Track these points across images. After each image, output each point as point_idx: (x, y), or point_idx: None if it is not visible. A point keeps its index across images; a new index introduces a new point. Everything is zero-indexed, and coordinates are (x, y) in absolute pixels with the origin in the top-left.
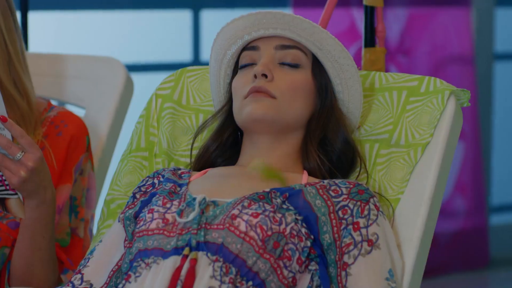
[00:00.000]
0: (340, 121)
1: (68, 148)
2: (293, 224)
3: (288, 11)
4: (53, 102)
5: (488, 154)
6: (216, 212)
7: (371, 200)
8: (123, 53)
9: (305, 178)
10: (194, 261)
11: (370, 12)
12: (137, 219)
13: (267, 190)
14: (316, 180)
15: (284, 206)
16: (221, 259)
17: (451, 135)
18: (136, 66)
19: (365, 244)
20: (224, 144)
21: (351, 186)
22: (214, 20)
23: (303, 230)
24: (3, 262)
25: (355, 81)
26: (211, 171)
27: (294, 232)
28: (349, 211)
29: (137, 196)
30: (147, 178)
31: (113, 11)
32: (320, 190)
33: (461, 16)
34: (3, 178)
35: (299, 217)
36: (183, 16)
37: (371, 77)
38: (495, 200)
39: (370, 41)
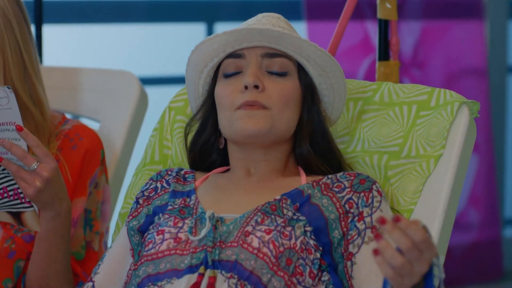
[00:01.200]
0: (327, 128)
1: (83, 162)
2: (302, 237)
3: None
4: (68, 115)
5: (502, 167)
6: (229, 227)
7: (374, 186)
8: (137, 66)
9: (303, 177)
10: (213, 279)
11: (384, 26)
12: (145, 239)
13: (278, 197)
14: (316, 178)
15: (294, 217)
16: (236, 276)
17: (465, 147)
18: (150, 79)
19: (368, 231)
20: (205, 145)
21: (352, 177)
22: None
23: (312, 242)
24: (18, 275)
25: (341, 84)
26: (212, 177)
27: (303, 246)
28: (354, 205)
29: (140, 201)
30: (150, 181)
31: (127, 24)
32: (324, 191)
33: (474, 29)
34: (19, 191)
35: (308, 228)
36: (197, 29)
37: (381, 91)
38: (508, 213)
39: (384, 55)
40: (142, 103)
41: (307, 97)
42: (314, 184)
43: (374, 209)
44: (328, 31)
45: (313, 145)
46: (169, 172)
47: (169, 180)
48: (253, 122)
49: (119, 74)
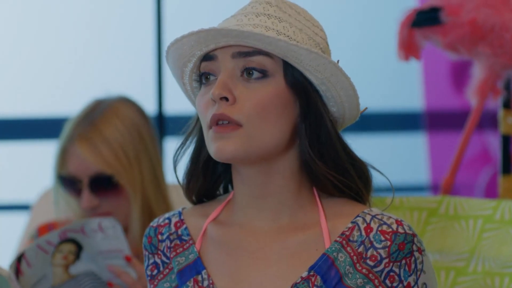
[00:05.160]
0: (332, 130)
1: None
2: None
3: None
4: None
5: None
6: None
7: (414, 246)
8: None
9: (323, 219)
10: None
11: (505, 140)
12: None
13: (305, 275)
14: (339, 226)
15: None
16: None
17: None
18: None
19: None
20: (205, 168)
21: (389, 242)
22: None
23: None
24: None
25: (339, 76)
26: (212, 230)
27: None
28: (396, 277)
29: (150, 286)
30: (146, 254)
31: None
32: (358, 264)
33: None
34: None
35: None
36: None
37: (501, 209)
38: None
39: (506, 169)
40: None
41: (301, 97)
42: (344, 243)
43: (419, 273)
44: (449, 142)
45: (321, 152)
46: (160, 237)
47: (165, 251)
48: (225, 143)
49: None
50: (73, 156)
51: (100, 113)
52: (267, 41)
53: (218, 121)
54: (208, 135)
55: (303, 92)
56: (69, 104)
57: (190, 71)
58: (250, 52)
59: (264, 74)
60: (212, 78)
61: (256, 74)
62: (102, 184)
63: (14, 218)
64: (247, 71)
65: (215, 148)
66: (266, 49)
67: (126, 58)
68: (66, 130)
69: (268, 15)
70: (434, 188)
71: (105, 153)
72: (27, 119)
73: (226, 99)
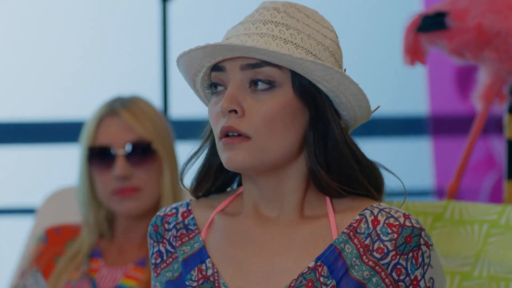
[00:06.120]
0: (339, 137)
1: None
2: None
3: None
4: None
5: None
6: None
7: (421, 240)
8: None
9: (331, 212)
10: None
11: (510, 146)
12: None
13: (312, 265)
14: (346, 219)
15: None
16: None
17: None
18: None
19: None
20: (218, 172)
21: (396, 235)
22: None
23: None
24: None
25: (346, 84)
26: (218, 220)
27: None
28: (403, 271)
29: (153, 274)
30: (151, 242)
31: None
32: (364, 257)
33: None
34: None
35: None
36: None
37: (506, 214)
38: None
39: (510, 174)
40: None
41: (310, 105)
42: (351, 234)
43: (426, 267)
44: (454, 147)
45: (328, 159)
46: (167, 226)
47: (171, 240)
48: (234, 154)
49: None
50: (111, 126)
51: (130, 97)
52: (272, 55)
53: (228, 133)
54: (219, 146)
55: (312, 100)
56: (73, 108)
57: (201, 79)
58: (258, 63)
59: (271, 85)
60: (222, 88)
61: (263, 85)
62: (139, 152)
63: (18, 222)
64: (255, 83)
65: (226, 158)
66: (272, 61)
67: (131, 62)
68: (100, 108)
69: (276, 22)
70: (439, 193)
71: (145, 121)
72: (31, 123)
73: (235, 111)
